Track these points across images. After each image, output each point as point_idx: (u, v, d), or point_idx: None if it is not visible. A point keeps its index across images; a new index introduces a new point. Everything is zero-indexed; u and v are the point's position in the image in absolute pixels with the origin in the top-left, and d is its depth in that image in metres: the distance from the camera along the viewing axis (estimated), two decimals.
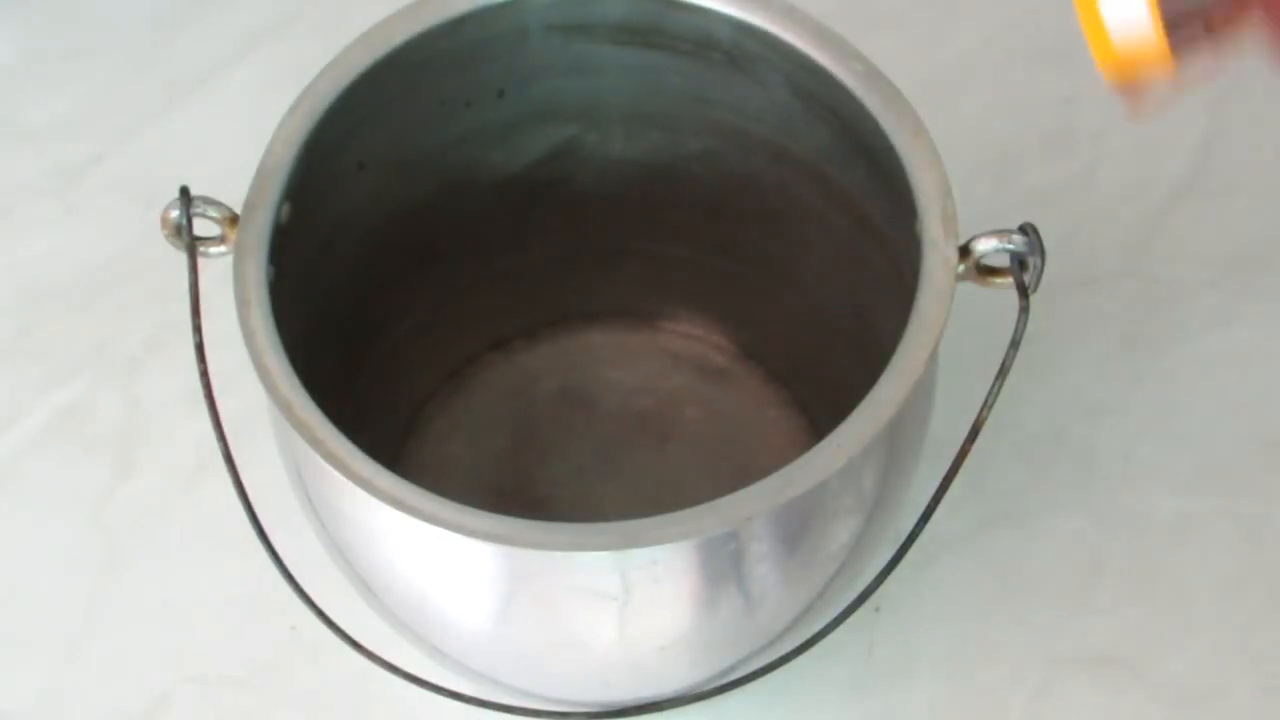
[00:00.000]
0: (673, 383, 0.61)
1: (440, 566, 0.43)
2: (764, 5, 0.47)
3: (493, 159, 0.54)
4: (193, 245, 0.46)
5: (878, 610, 0.56)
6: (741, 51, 0.49)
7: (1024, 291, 0.45)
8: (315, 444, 0.40)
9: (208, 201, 0.46)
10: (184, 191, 0.46)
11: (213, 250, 0.46)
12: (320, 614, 0.47)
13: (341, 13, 0.70)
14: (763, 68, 0.49)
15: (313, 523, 0.47)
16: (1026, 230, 0.44)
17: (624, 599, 0.41)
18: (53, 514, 0.59)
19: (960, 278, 0.44)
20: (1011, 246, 0.44)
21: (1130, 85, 0.32)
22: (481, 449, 0.59)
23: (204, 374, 0.45)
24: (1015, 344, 0.44)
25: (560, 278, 0.60)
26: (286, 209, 0.45)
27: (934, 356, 0.42)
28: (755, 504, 0.39)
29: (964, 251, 0.44)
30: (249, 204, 0.44)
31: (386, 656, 0.47)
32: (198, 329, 0.45)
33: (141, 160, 0.68)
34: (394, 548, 0.43)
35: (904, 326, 0.42)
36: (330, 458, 0.40)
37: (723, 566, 0.42)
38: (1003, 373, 0.44)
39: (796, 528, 0.42)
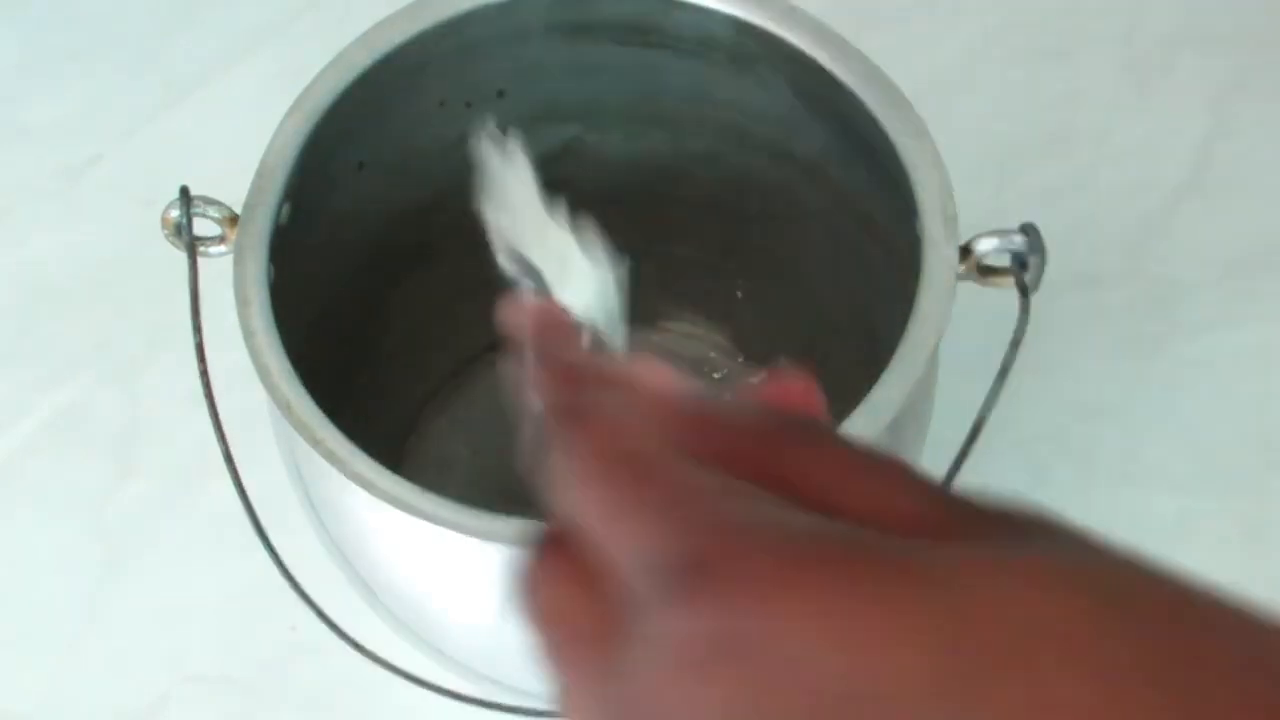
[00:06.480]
0: None
1: (440, 566, 0.43)
2: (764, 5, 0.47)
3: None
4: (193, 245, 0.46)
5: None
6: (742, 51, 0.49)
7: (1024, 291, 0.45)
8: (315, 444, 0.40)
9: (208, 201, 0.46)
10: (184, 191, 0.46)
11: (213, 250, 0.46)
12: (320, 614, 0.47)
13: (341, 13, 0.70)
14: (764, 68, 0.49)
15: (313, 523, 0.47)
16: (1027, 230, 0.44)
17: None
18: (53, 514, 0.59)
19: (961, 277, 0.44)
20: (1012, 246, 0.44)
21: None
22: (482, 448, 0.59)
23: (204, 374, 0.45)
24: (1015, 344, 0.44)
25: None
26: (286, 209, 0.44)
27: (935, 356, 0.42)
28: None
29: (965, 251, 0.44)
30: (249, 204, 0.44)
31: (386, 656, 0.47)
32: (198, 329, 0.45)
33: (141, 160, 0.68)
34: (394, 548, 0.43)
35: (905, 326, 0.42)
36: (330, 458, 0.40)
37: None
38: (1003, 373, 0.44)
39: None
